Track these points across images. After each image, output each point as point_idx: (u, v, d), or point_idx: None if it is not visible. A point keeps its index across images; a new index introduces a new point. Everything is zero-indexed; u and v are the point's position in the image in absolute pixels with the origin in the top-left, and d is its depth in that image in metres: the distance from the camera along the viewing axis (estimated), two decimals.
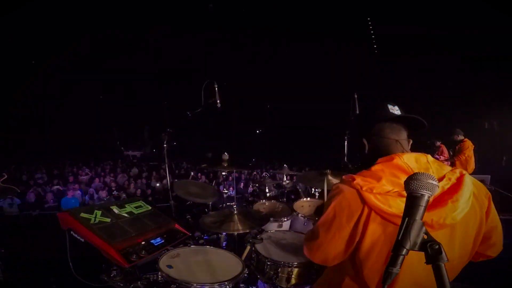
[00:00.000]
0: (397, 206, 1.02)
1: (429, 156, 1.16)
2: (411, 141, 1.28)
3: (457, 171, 1.12)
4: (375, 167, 1.14)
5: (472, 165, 5.83)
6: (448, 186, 1.07)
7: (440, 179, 1.08)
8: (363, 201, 1.07)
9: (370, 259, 1.10)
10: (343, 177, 1.18)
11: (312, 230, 1.26)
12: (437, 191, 0.85)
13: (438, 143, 6.80)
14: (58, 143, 15.21)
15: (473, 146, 5.84)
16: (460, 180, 1.09)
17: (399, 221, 0.82)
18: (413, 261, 0.95)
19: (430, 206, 1.01)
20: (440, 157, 6.58)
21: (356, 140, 1.33)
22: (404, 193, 0.85)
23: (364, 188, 1.07)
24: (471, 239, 1.13)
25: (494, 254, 1.23)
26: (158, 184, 9.51)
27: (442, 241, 0.77)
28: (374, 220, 1.07)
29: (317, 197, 3.25)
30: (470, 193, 1.06)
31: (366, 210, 1.08)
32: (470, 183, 1.09)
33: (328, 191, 2.90)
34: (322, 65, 12.81)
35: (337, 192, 1.15)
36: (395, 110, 1.26)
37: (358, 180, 1.10)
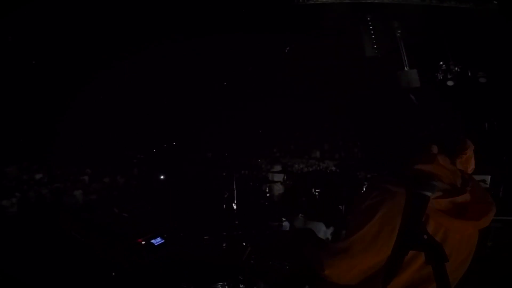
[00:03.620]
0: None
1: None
2: None
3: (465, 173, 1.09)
4: (418, 168, 0.98)
5: (472, 165, 5.82)
6: (469, 189, 1.02)
7: (464, 183, 1.05)
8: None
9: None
10: (381, 180, 0.98)
11: (342, 247, 0.93)
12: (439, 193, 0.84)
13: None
14: (58, 143, 15.19)
15: (473, 146, 5.84)
16: (473, 182, 1.06)
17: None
18: (409, 261, 0.95)
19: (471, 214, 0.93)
20: None
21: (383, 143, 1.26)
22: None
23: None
24: (475, 239, 1.13)
25: None
26: (157, 184, 9.48)
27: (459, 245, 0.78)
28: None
29: (317, 197, 3.26)
30: None
31: None
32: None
33: (330, 192, 2.89)
34: (323, 65, 12.78)
35: (382, 199, 0.88)
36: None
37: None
